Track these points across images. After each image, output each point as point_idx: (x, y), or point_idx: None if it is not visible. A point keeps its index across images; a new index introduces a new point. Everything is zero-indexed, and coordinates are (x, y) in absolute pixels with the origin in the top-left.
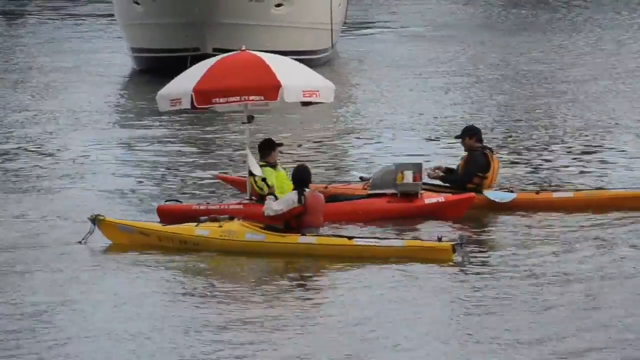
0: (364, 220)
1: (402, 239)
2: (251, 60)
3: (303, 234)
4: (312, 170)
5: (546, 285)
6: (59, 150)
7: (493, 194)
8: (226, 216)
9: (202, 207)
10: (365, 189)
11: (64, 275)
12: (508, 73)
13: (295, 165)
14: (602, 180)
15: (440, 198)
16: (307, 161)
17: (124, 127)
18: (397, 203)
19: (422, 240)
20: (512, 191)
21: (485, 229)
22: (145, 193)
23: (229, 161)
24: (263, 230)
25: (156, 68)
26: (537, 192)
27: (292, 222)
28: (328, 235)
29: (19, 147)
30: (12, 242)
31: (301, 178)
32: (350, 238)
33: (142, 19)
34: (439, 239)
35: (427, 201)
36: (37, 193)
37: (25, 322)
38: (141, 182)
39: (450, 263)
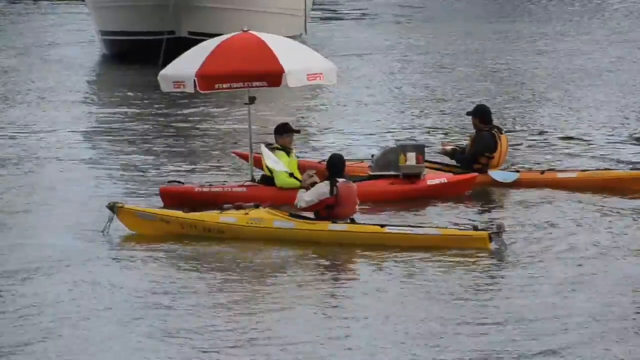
0: (365, 201)
1: (437, 227)
2: (254, 43)
3: (333, 222)
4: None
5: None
6: (37, 132)
7: (497, 174)
8: (252, 204)
9: (204, 189)
10: (368, 170)
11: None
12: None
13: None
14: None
15: (442, 179)
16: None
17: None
18: (399, 185)
19: (457, 228)
20: (517, 171)
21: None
22: (137, 177)
23: (215, 143)
24: (292, 218)
25: (128, 52)
26: (542, 172)
27: (322, 212)
28: (359, 223)
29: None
30: None
31: (335, 165)
32: (382, 226)
33: (113, 0)
34: (475, 228)
35: (429, 182)
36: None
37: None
38: (125, 168)
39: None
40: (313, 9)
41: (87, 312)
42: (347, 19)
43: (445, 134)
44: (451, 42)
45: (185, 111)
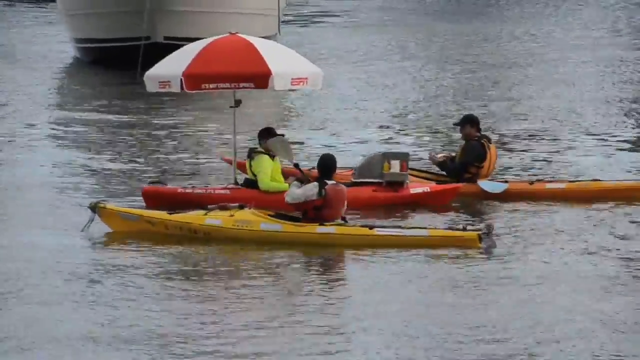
0: (348, 208)
1: (426, 228)
2: (242, 45)
3: (321, 224)
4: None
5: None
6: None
7: (486, 184)
8: (236, 204)
9: (187, 191)
10: (351, 176)
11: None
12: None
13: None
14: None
15: (426, 188)
16: None
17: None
18: (382, 192)
19: (446, 229)
20: (506, 181)
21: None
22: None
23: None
24: (279, 220)
25: (104, 59)
26: (531, 183)
27: (309, 213)
28: (348, 225)
29: None
30: None
31: (326, 166)
32: (371, 228)
33: (88, 7)
34: (464, 229)
35: (412, 191)
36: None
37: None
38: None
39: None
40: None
41: (60, 315)
42: (320, 21)
43: (430, 142)
44: (432, 44)
45: (169, 114)
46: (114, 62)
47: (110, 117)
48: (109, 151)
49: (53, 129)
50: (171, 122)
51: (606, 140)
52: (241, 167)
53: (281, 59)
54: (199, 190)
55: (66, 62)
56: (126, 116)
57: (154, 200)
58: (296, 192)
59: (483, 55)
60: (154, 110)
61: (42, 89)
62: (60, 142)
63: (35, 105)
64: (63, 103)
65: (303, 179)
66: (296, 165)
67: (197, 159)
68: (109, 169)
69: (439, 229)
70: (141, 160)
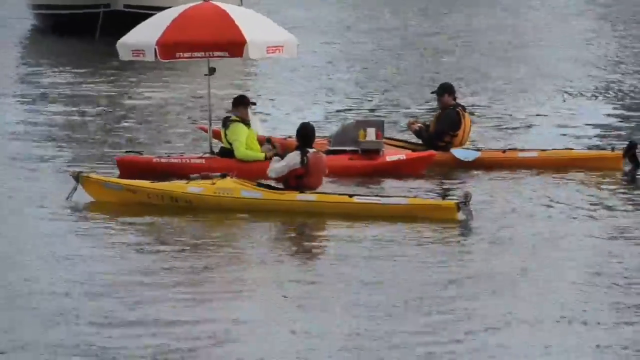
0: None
1: (405, 196)
2: (216, 13)
3: (301, 192)
4: None
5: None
6: None
7: (458, 152)
8: (218, 174)
9: (163, 160)
10: (327, 144)
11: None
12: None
13: None
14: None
15: (401, 155)
16: None
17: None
18: (358, 160)
19: (425, 198)
20: (479, 149)
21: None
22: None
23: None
24: (259, 188)
25: (62, 26)
26: (504, 151)
27: (291, 181)
28: (327, 193)
29: None
30: None
31: (305, 136)
32: (350, 196)
33: None
34: (443, 197)
35: (388, 158)
36: None
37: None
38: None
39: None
40: None
41: (46, 284)
42: None
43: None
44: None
45: (142, 82)
46: (72, 30)
47: (76, 87)
48: (78, 122)
49: (18, 101)
50: (142, 90)
51: (577, 110)
52: (217, 135)
53: (256, 27)
54: (174, 160)
55: (26, 29)
56: (94, 85)
57: (128, 169)
58: (279, 165)
59: (450, 26)
60: (128, 77)
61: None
62: (24, 116)
63: None
64: (24, 73)
65: (281, 154)
66: (268, 141)
67: (171, 127)
68: (79, 139)
69: (418, 197)
70: (112, 129)
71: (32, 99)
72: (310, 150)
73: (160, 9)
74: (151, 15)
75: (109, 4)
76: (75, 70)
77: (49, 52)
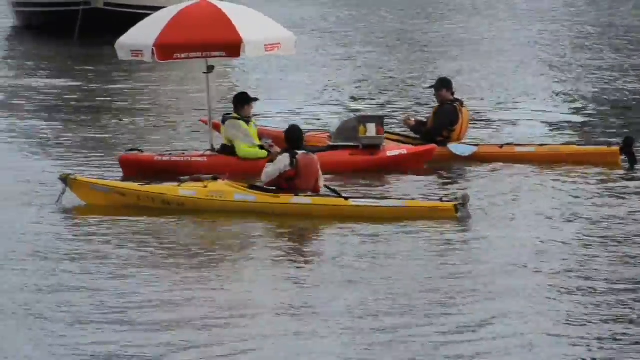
0: (325, 172)
1: (402, 199)
2: (212, 12)
3: (296, 195)
4: None
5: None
6: None
7: (455, 147)
8: (209, 176)
9: (164, 158)
10: (327, 140)
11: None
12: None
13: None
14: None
15: (402, 150)
16: None
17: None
18: (359, 155)
19: (423, 200)
20: (476, 144)
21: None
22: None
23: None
24: (253, 191)
25: (42, 24)
26: (501, 146)
27: (282, 184)
28: (323, 196)
29: None
30: None
31: (293, 139)
32: (346, 198)
33: None
34: (441, 199)
35: (389, 153)
36: None
37: None
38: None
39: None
40: None
41: (34, 287)
42: None
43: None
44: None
45: (143, 78)
46: (52, 28)
47: (70, 84)
48: (75, 120)
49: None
50: (139, 87)
51: (577, 107)
52: (218, 128)
53: (253, 25)
54: (176, 158)
55: (6, 28)
56: (95, 82)
57: (131, 167)
58: (269, 169)
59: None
60: (128, 76)
61: None
62: (20, 113)
63: None
64: (11, 73)
65: (274, 159)
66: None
67: (171, 124)
68: (79, 139)
69: (415, 199)
70: (111, 128)
71: (20, 101)
72: (300, 152)
73: (142, 7)
74: (133, 13)
75: (89, 2)
76: (64, 71)
77: (29, 51)
